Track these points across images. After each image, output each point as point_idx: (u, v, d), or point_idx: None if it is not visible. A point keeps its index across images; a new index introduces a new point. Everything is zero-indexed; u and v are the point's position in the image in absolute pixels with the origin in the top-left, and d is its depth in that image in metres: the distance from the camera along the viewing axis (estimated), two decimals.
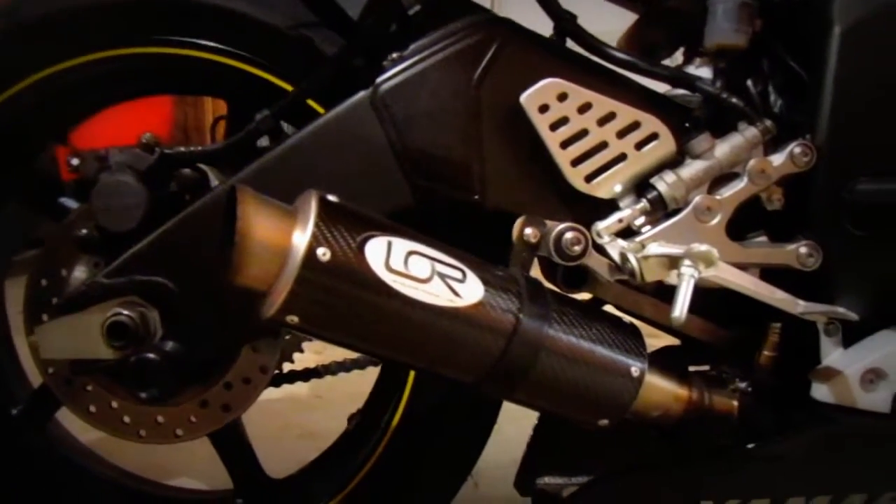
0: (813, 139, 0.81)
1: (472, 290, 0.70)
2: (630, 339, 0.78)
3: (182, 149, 0.83)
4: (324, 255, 0.64)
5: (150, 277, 0.81)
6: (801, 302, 0.80)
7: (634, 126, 0.80)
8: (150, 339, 0.81)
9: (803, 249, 0.82)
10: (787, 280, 0.82)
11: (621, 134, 0.80)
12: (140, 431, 0.90)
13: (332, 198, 0.68)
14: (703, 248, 0.74)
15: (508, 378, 0.72)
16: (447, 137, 0.81)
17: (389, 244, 0.67)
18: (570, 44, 0.87)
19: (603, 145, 0.80)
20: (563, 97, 0.79)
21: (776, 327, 0.84)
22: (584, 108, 0.80)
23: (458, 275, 0.70)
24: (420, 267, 0.68)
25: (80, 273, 0.87)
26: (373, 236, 0.66)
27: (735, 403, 0.85)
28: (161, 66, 0.88)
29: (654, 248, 0.76)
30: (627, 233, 0.82)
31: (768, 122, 0.82)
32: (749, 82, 0.88)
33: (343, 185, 0.79)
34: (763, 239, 0.84)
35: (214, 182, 0.86)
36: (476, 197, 0.81)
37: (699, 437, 0.86)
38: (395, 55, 0.82)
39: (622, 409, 0.77)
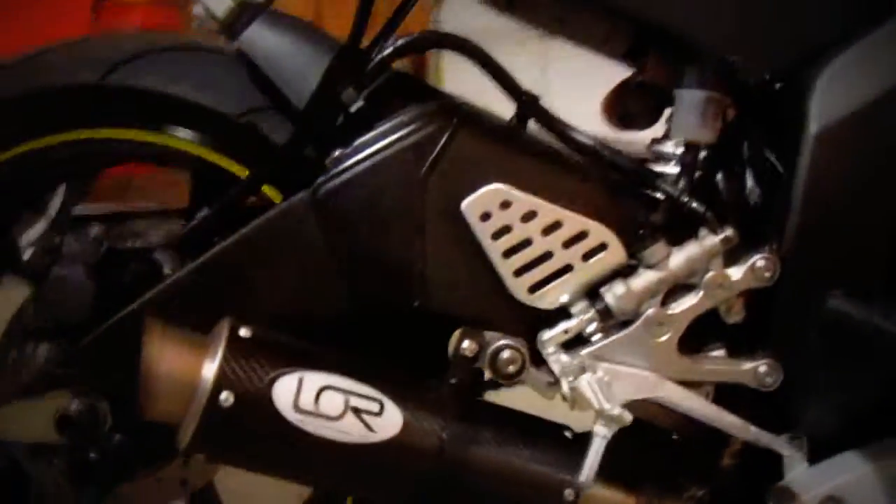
0: (779, 248, 0.76)
1: (389, 423, 0.69)
2: (569, 458, 0.75)
3: (130, 244, 0.83)
4: (226, 400, 0.63)
5: (101, 368, 0.83)
6: (753, 428, 0.75)
7: (581, 236, 0.76)
8: (100, 429, 0.83)
9: (763, 368, 0.77)
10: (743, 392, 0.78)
11: (567, 244, 0.76)
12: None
13: (245, 331, 0.67)
14: (616, 411, 0.70)
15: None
16: (389, 241, 0.78)
17: (300, 381, 0.66)
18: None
19: (547, 255, 0.77)
20: (505, 205, 0.76)
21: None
22: (528, 217, 0.76)
23: (375, 407, 0.68)
24: (332, 403, 0.67)
25: (42, 354, 0.89)
26: (283, 374, 0.66)
27: None
28: (116, 146, 0.88)
29: (584, 385, 0.72)
30: (578, 339, 0.79)
31: (730, 232, 0.76)
32: (720, 176, 0.82)
33: (279, 292, 0.79)
34: (720, 353, 0.79)
35: (167, 271, 0.86)
36: (416, 303, 0.79)
37: None
38: (337, 153, 0.79)
39: None
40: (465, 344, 0.76)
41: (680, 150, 0.80)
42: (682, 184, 0.79)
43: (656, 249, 0.76)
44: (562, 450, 0.76)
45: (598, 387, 0.72)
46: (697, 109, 0.78)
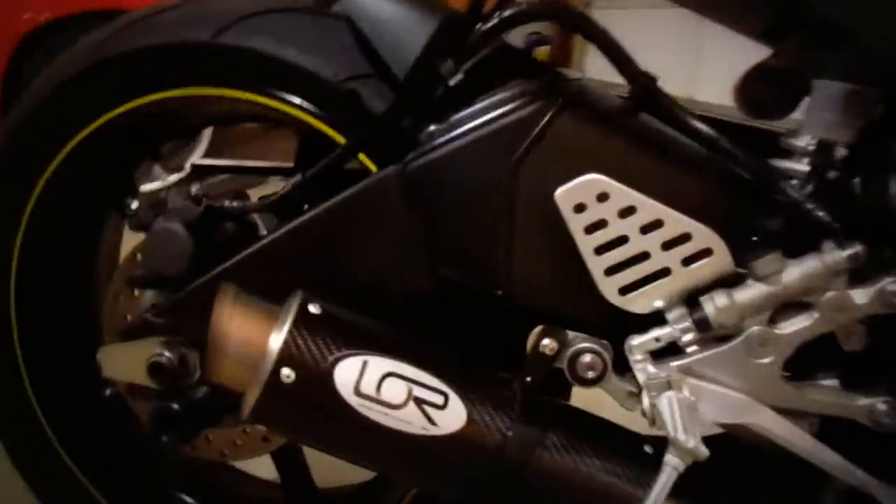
0: None
1: (452, 418, 0.66)
2: (643, 476, 0.70)
3: (227, 203, 0.84)
4: (287, 376, 0.63)
5: (194, 321, 0.85)
6: (860, 472, 0.67)
7: (683, 238, 0.69)
8: (187, 379, 0.86)
9: (881, 406, 0.68)
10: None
11: (667, 246, 0.70)
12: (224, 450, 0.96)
13: (314, 307, 0.66)
14: (692, 444, 0.64)
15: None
16: (476, 225, 0.75)
17: (364, 364, 0.65)
18: None
19: (644, 256, 0.70)
20: (603, 197, 0.70)
21: None
22: (627, 213, 0.70)
23: (440, 400, 0.66)
24: (395, 391, 0.65)
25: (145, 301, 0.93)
26: (348, 356, 0.64)
27: None
28: (225, 105, 0.89)
29: (665, 404, 0.66)
30: (670, 350, 0.73)
31: (859, 248, 0.67)
32: (856, 181, 0.72)
33: (360, 266, 0.77)
34: (832, 383, 0.71)
35: (263, 231, 0.87)
36: (500, 293, 0.75)
37: None
38: (432, 128, 0.76)
39: None
40: (545, 342, 0.72)
41: (812, 149, 0.71)
42: (809, 188, 0.70)
43: (770, 260, 0.68)
44: (636, 466, 0.70)
45: (680, 409, 0.66)
46: (837, 104, 0.68)
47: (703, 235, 0.69)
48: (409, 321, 0.75)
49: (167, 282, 0.87)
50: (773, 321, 0.70)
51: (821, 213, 0.68)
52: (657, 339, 0.72)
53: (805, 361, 0.71)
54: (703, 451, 0.64)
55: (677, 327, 0.71)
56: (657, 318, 0.73)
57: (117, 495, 1.01)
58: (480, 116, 0.74)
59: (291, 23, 0.85)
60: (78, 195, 0.96)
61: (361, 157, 0.82)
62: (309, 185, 0.81)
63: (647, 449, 0.73)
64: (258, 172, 1.07)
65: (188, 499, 1.01)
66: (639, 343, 0.72)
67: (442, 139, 0.74)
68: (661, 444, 0.68)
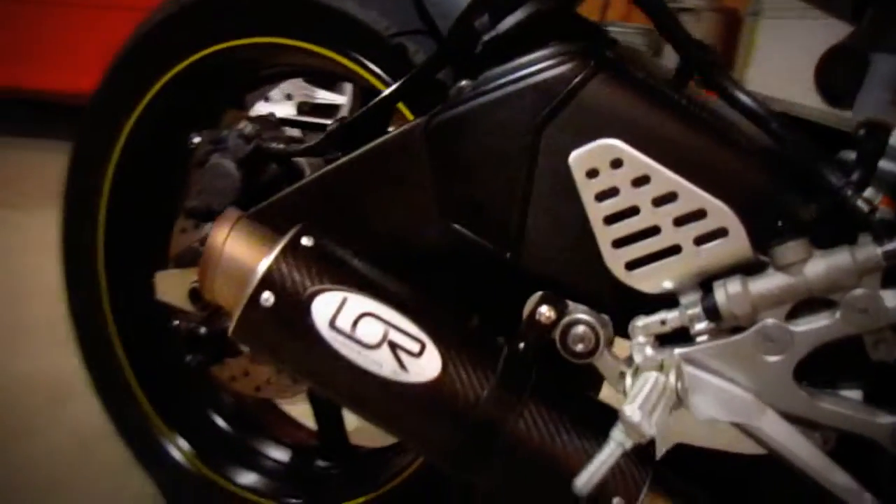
0: None
1: (425, 367, 0.65)
2: (628, 468, 0.66)
3: (274, 145, 0.87)
4: (266, 300, 0.64)
5: None
6: (869, 496, 0.59)
7: (698, 215, 0.64)
8: (221, 308, 0.90)
9: None
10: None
11: (679, 221, 0.65)
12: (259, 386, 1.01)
13: (307, 240, 0.67)
14: (637, 418, 0.58)
15: (463, 468, 0.67)
16: (493, 185, 0.73)
17: (343, 301, 0.65)
18: None
19: (654, 230, 0.66)
20: (616, 164, 0.66)
21: None
22: (640, 182, 0.66)
23: (415, 347, 0.65)
24: (370, 331, 0.65)
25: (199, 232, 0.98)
26: (327, 290, 0.65)
27: None
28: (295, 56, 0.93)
29: (643, 379, 0.61)
30: (678, 337, 0.68)
31: None
32: None
33: (380, 216, 0.78)
34: (855, 395, 0.63)
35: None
36: (508, 255, 0.73)
37: None
38: (463, 83, 0.75)
39: None
40: (542, 309, 0.69)
41: (863, 132, 0.63)
42: (855, 175, 0.63)
43: (793, 248, 0.62)
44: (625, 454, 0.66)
45: (654, 388, 0.61)
46: (891, 79, 0.60)
47: (719, 213, 0.63)
48: (416, 276, 0.74)
49: (215, 214, 0.92)
50: (792, 317, 0.63)
51: (860, 203, 0.61)
52: (663, 323, 0.67)
53: (826, 368, 0.63)
54: (649, 431, 0.58)
55: (686, 313, 0.66)
56: (667, 301, 0.68)
57: (171, 416, 1.07)
58: (511, 74, 0.72)
59: None
60: (167, 133, 1.03)
61: (401, 107, 0.83)
62: (348, 132, 0.82)
63: None
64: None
65: (230, 429, 1.06)
66: (643, 324, 0.67)
67: (470, 94, 0.73)
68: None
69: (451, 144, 0.74)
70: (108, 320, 1.07)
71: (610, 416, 0.68)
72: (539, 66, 0.71)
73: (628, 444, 0.60)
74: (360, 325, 0.65)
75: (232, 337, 0.67)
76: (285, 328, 0.65)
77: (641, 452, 0.66)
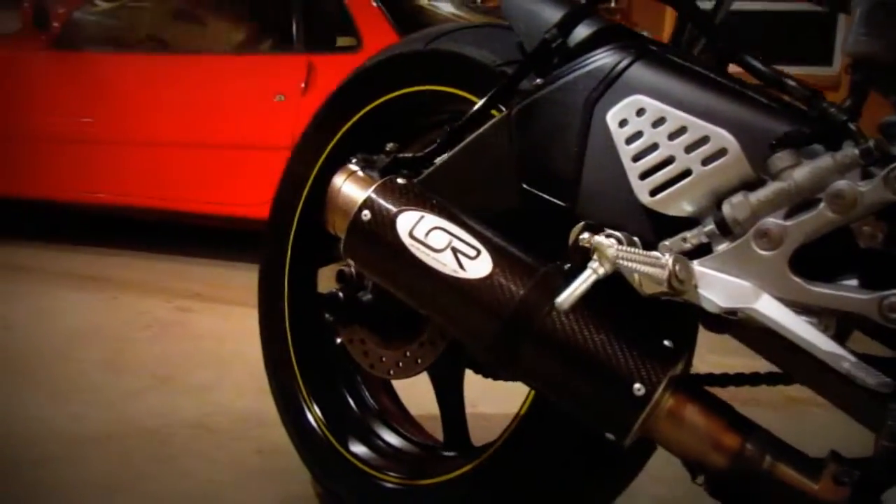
0: None
1: (478, 268, 0.82)
2: (649, 360, 0.76)
3: (405, 155, 1.12)
4: (366, 216, 0.86)
5: None
6: (852, 358, 0.64)
7: (703, 141, 0.77)
8: (360, 286, 1.12)
9: (893, 300, 0.65)
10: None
11: (689, 149, 0.78)
12: (390, 370, 1.20)
13: (401, 180, 0.89)
14: (607, 242, 0.69)
15: (502, 357, 0.81)
16: (555, 150, 0.91)
17: (421, 218, 0.85)
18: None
19: (670, 160, 0.79)
20: (640, 112, 0.82)
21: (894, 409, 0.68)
22: (658, 123, 0.81)
23: (472, 252, 0.82)
24: (438, 239, 0.84)
25: None
26: (410, 209, 0.85)
27: (815, 487, 0.71)
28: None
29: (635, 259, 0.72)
30: (700, 253, 0.78)
31: (872, 142, 0.68)
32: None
33: (476, 186, 0.98)
34: (850, 282, 0.69)
35: None
36: (565, 205, 0.89)
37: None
38: (538, 81, 0.96)
39: (623, 427, 0.76)
40: (584, 235, 0.83)
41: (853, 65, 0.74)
42: (847, 102, 0.73)
43: (783, 157, 0.72)
44: (649, 349, 0.76)
45: (644, 250, 0.72)
46: (867, 17, 0.72)
47: (719, 137, 0.76)
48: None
49: None
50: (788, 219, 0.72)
51: (832, 111, 0.71)
52: (684, 240, 0.78)
53: (823, 261, 0.71)
54: (612, 251, 0.69)
55: (704, 229, 0.77)
56: (690, 224, 0.79)
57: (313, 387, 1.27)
58: (572, 67, 0.92)
59: (478, 32, 1.13)
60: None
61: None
62: (456, 136, 1.05)
63: (667, 343, 0.78)
64: None
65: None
66: (669, 243, 0.79)
67: (542, 85, 0.94)
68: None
69: (527, 125, 0.93)
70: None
71: (643, 323, 0.79)
72: (592, 59, 0.90)
73: (601, 272, 0.71)
74: (431, 235, 0.84)
75: (342, 252, 0.89)
76: (378, 237, 0.85)
77: (665, 354, 0.76)
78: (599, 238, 0.74)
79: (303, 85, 2.92)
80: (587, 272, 0.74)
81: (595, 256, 0.74)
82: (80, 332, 2.24)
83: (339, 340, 1.21)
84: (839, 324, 0.69)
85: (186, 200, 3.18)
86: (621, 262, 0.71)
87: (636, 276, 0.73)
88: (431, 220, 0.85)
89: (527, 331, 0.78)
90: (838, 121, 0.70)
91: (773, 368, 0.87)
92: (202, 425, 1.61)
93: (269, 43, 3.34)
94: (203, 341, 2.21)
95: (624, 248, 0.73)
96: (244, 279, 1.40)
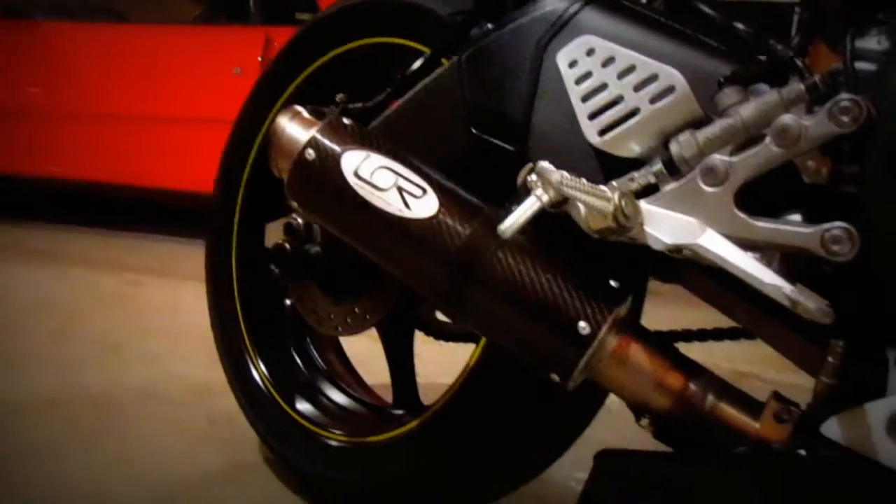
0: (877, 94, 0.64)
1: (424, 207, 0.80)
2: (595, 299, 0.74)
3: (353, 105, 1.09)
4: (309, 154, 0.84)
5: None
6: (788, 286, 0.64)
7: (651, 79, 0.76)
8: (311, 240, 1.09)
9: (835, 232, 0.65)
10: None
11: (637, 87, 0.77)
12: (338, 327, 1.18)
13: (347, 120, 0.87)
14: (551, 168, 0.68)
15: (448, 299, 0.79)
16: (505, 94, 0.89)
17: (366, 157, 0.83)
18: None
19: (619, 99, 0.78)
20: (590, 52, 0.81)
21: (837, 347, 0.68)
22: (607, 62, 0.80)
23: (418, 192, 0.81)
24: (383, 179, 0.81)
25: None
26: (356, 148, 0.83)
27: (756, 426, 0.71)
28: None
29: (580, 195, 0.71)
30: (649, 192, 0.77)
31: (817, 78, 0.68)
32: (848, 40, 0.72)
33: (427, 132, 0.96)
34: (795, 218, 0.69)
35: None
36: (514, 149, 0.87)
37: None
38: (489, 26, 0.95)
39: (566, 367, 0.74)
40: (532, 177, 0.82)
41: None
42: (796, 40, 0.73)
43: (729, 93, 0.72)
44: (595, 289, 0.75)
45: (588, 188, 0.71)
46: None
47: (667, 74, 0.75)
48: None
49: None
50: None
51: (778, 48, 0.70)
52: (632, 180, 0.77)
53: (769, 198, 0.70)
54: (560, 178, 0.68)
55: (651, 170, 0.76)
56: (638, 167, 0.78)
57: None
58: (525, 12, 0.91)
59: None
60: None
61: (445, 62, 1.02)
62: (406, 84, 1.03)
63: (613, 283, 0.77)
64: None
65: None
66: (616, 183, 0.78)
67: (491, 30, 0.92)
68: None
69: (477, 71, 0.92)
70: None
71: (589, 264, 0.78)
72: (544, 3, 0.89)
73: (545, 199, 0.70)
74: (377, 174, 0.81)
75: (286, 193, 0.86)
76: (322, 177, 0.83)
77: (611, 294, 0.75)
78: (543, 163, 0.73)
79: (260, 58, 2.87)
80: (531, 199, 0.72)
81: (539, 183, 0.73)
82: (29, 303, 2.17)
83: (287, 301, 1.19)
84: (783, 261, 0.68)
85: (141, 175, 3.11)
86: (565, 188, 0.70)
87: (582, 210, 0.72)
88: (377, 159, 0.83)
89: (472, 269, 0.77)
90: (784, 57, 0.70)
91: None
92: (152, 394, 1.58)
93: (226, 15, 3.28)
94: (154, 314, 2.16)
95: (568, 176, 0.71)
96: (199, 255, 1.36)
